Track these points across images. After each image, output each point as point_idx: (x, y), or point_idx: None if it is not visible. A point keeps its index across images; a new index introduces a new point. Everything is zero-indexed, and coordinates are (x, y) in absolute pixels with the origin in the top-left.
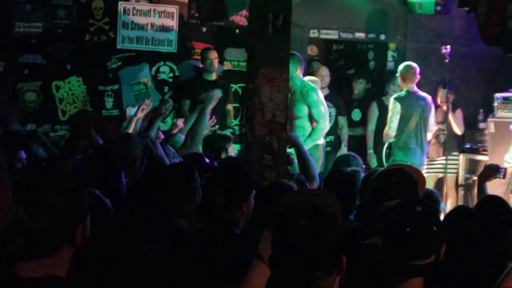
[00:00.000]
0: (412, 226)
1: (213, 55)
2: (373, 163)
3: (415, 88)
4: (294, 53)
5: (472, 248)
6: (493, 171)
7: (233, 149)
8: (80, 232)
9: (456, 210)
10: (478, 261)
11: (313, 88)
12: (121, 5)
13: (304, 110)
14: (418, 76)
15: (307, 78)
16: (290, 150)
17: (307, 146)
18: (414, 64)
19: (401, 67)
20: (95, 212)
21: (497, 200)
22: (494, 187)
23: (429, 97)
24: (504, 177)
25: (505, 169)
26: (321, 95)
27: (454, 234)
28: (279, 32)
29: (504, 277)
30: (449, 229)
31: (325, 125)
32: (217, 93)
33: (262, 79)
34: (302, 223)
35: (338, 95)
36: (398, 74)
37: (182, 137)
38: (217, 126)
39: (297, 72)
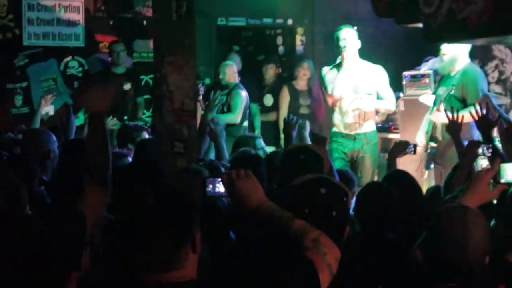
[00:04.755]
0: (311, 208)
1: (121, 48)
2: None
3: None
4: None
5: (388, 223)
6: (403, 147)
7: None
8: None
9: (369, 187)
10: (396, 236)
11: None
12: (25, 1)
13: None
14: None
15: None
16: None
17: None
18: None
19: None
20: None
21: (403, 175)
22: (406, 164)
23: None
24: (414, 153)
25: (415, 144)
26: None
27: (369, 210)
28: (183, 20)
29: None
30: (363, 206)
31: None
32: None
33: (169, 67)
34: (150, 200)
35: (249, 82)
36: None
37: None
38: (125, 118)
39: None
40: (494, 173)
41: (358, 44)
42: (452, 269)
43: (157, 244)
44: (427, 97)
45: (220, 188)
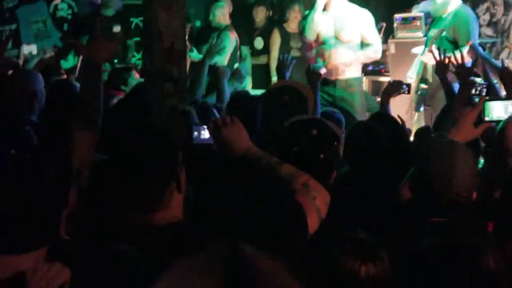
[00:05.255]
0: (301, 147)
1: None
2: None
3: None
4: None
5: (377, 162)
6: (397, 86)
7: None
8: None
9: (357, 126)
10: (384, 176)
11: None
12: None
13: None
14: None
15: None
16: None
17: None
18: None
19: None
20: None
21: (388, 116)
22: (397, 106)
23: None
24: (408, 92)
25: (409, 84)
26: None
27: (358, 148)
28: None
29: None
30: (352, 144)
31: None
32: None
33: (158, 7)
34: (134, 138)
35: (240, 25)
36: None
37: None
38: (116, 61)
39: None
40: (478, 111)
41: None
42: (439, 203)
43: (142, 183)
44: (420, 49)
45: (206, 135)
